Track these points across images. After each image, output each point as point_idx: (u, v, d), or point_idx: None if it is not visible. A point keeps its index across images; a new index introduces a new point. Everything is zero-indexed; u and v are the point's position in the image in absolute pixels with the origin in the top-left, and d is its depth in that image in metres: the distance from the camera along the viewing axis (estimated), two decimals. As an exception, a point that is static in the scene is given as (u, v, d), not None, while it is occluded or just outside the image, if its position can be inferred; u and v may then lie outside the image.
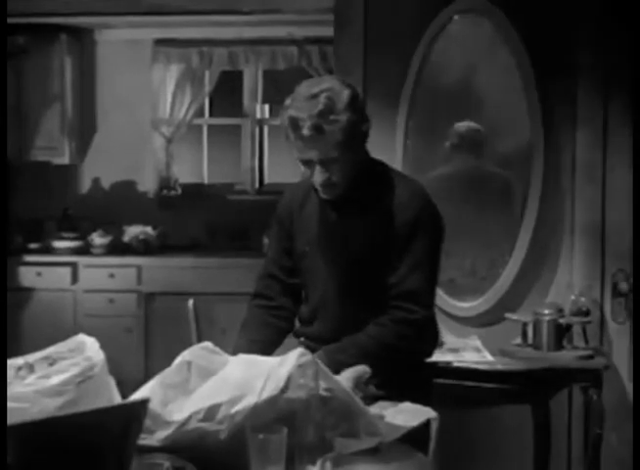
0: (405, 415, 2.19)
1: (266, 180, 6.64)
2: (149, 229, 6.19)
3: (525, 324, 3.57)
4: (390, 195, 2.50)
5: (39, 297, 5.97)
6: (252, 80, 6.53)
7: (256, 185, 6.58)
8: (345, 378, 2.23)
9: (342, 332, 2.50)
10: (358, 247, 2.52)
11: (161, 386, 1.92)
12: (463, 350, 3.56)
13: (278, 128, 6.61)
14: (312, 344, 2.56)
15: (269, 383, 1.94)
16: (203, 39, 6.35)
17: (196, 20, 6.10)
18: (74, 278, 5.98)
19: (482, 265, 3.84)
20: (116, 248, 6.13)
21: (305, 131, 2.42)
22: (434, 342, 2.66)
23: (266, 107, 6.67)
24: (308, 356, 2.01)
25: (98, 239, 6.10)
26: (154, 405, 1.85)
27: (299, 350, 2.01)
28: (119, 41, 6.43)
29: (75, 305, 5.95)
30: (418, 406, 2.27)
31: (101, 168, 6.52)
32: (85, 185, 6.56)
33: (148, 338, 6.02)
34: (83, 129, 6.44)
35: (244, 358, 2.07)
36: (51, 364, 2.09)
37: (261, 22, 6.05)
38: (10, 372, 2.12)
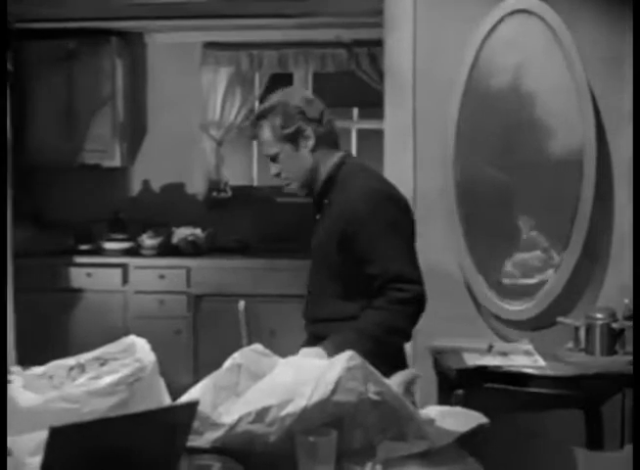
0: (456, 420, 2.16)
1: (315, 182, 6.61)
2: (198, 231, 6.22)
3: (576, 328, 3.53)
4: (345, 195, 2.77)
5: (89, 298, 6.02)
6: (302, 83, 6.53)
7: (305, 187, 6.57)
8: (396, 382, 2.22)
9: (331, 328, 2.77)
10: (327, 246, 2.80)
11: (212, 388, 1.92)
12: (513, 353, 3.52)
13: (327, 131, 6.68)
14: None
15: (318, 386, 1.94)
16: (252, 42, 6.37)
17: (245, 23, 6.11)
18: (125, 279, 6.03)
19: (533, 268, 3.80)
20: (166, 249, 6.17)
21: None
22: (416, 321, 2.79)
23: (315, 109, 6.65)
24: (358, 360, 2.00)
25: (148, 240, 6.14)
26: (204, 407, 1.85)
27: (349, 353, 2.01)
28: (169, 44, 6.47)
29: (125, 306, 6.00)
30: (469, 411, 2.25)
31: (151, 171, 6.56)
32: (135, 187, 6.61)
33: (197, 339, 6.04)
34: (133, 132, 6.49)
35: (293, 361, 2.07)
36: (102, 365, 2.10)
37: (311, 24, 6.04)
38: (61, 372, 2.14)
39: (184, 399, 1.90)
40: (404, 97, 3.79)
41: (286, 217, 6.42)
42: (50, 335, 5.76)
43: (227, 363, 2.01)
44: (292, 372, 2.00)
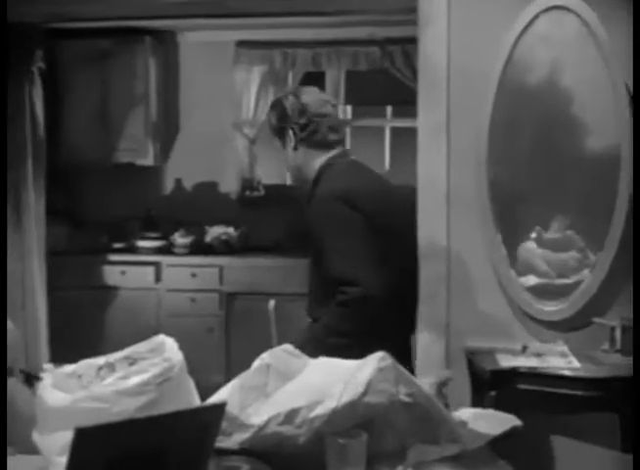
0: (489, 422, 2.13)
1: (349, 181, 6.58)
2: (231, 230, 6.22)
3: (612, 329, 3.47)
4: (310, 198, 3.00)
5: (123, 296, 6.05)
6: (335, 81, 6.51)
7: (338, 186, 6.54)
8: (428, 383, 2.19)
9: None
10: (308, 248, 3.04)
11: (240, 388, 1.90)
12: (548, 355, 3.48)
13: (361, 129, 6.66)
14: None
15: (349, 387, 1.91)
16: (285, 40, 6.36)
17: (278, 21, 6.09)
18: (157, 277, 6.04)
19: (569, 268, 3.74)
20: (199, 248, 6.18)
21: None
22: (364, 322, 2.82)
23: (349, 108, 6.63)
24: (389, 360, 1.97)
25: (180, 239, 6.15)
26: (232, 408, 1.83)
27: (380, 353, 1.98)
28: (202, 43, 6.48)
29: (158, 304, 6.01)
30: (502, 413, 2.21)
31: (184, 169, 6.58)
32: (168, 186, 6.62)
33: (228, 338, 6.05)
34: (166, 131, 6.51)
35: (323, 362, 2.04)
36: (131, 364, 2.09)
37: (344, 22, 6.01)
38: (91, 372, 2.13)
39: (213, 399, 1.89)
40: (438, 94, 3.75)
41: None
42: (83, 333, 5.78)
43: (256, 363, 1.99)
44: (321, 373, 1.98)
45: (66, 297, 5.69)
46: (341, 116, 6.51)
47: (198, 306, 6.03)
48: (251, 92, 6.44)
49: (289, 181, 6.74)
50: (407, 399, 1.94)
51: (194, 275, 6.03)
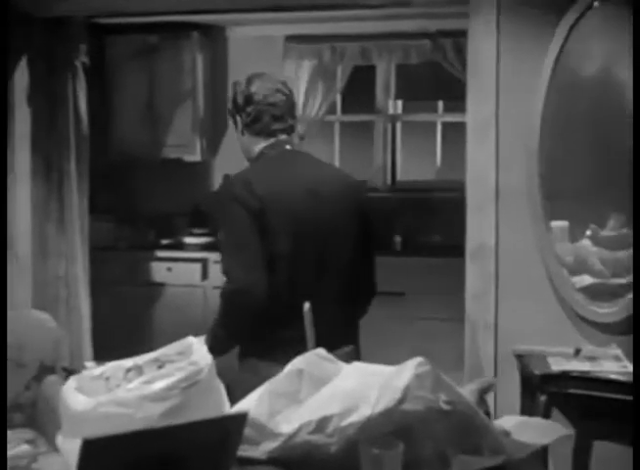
0: (535, 432, 2.02)
1: (399, 177, 6.49)
2: (279, 227, 6.13)
3: (670, 332, 3.33)
4: None
5: (170, 292, 6.00)
6: (385, 75, 6.39)
7: (389, 182, 6.44)
8: (469, 390, 2.08)
9: None
10: None
11: (270, 395, 1.81)
12: (601, 358, 3.34)
13: (411, 124, 6.54)
14: None
15: (384, 394, 1.81)
16: (334, 34, 6.25)
17: (327, 15, 5.99)
18: (204, 274, 5.98)
19: (624, 267, 3.60)
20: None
21: None
22: (237, 317, 2.85)
23: (399, 102, 6.51)
24: (427, 366, 1.86)
25: (229, 236, 6.09)
26: (260, 415, 1.75)
27: (418, 359, 1.87)
28: (251, 38, 6.40)
29: (205, 301, 5.95)
30: (549, 422, 2.10)
31: (231, 165, 6.50)
32: (216, 181, 6.57)
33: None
34: (214, 126, 6.45)
35: (358, 367, 1.94)
36: (160, 367, 2.01)
37: (394, 15, 5.89)
38: (119, 374, 2.06)
39: (240, 406, 1.80)
40: (487, 88, 3.63)
41: (370, 213, 6.28)
42: (129, 330, 5.75)
43: (287, 368, 1.89)
44: (355, 378, 1.88)
45: (112, 293, 5.66)
46: (391, 111, 6.42)
47: (245, 304, 5.95)
48: (299, 87, 6.34)
49: (338, 177, 6.65)
50: (446, 407, 1.84)
51: (241, 272, 5.95)
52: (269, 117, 2.92)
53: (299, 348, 2.46)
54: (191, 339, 2.02)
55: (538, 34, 3.61)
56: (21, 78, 4.24)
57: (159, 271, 6.02)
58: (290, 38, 6.33)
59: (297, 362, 1.90)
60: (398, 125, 6.47)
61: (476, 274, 3.65)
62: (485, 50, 3.64)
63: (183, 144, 6.18)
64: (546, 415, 3.32)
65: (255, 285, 2.76)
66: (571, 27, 3.55)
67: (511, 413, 3.52)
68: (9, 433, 2.53)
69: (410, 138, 6.45)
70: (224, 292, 2.83)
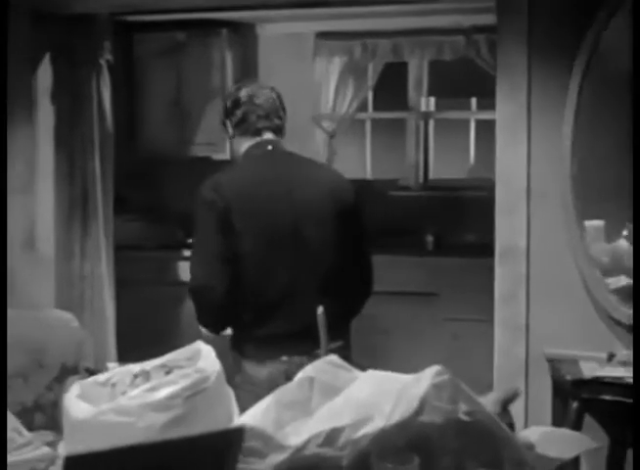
0: (561, 444, 1.91)
1: (431, 176, 6.37)
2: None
3: None
4: None
5: (198, 292, 5.93)
6: (418, 72, 6.28)
7: (421, 181, 6.33)
8: (492, 399, 1.97)
9: None
10: None
11: (278, 405, 1.72)
12: (636, 364, 3.22)
13: (444, 122, 6.42)
14: None
15: (400, 404, 1.72)
16: (366, 31, 6.15)
17: (358, 11, 5.89)
18: (233, 274, 5.90)
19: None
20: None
21: None
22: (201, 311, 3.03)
23: (432, 99, 6.39)
24: (446, 375, 1.77)
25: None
26: (267, 426, 1.66)
27: (436, 367, 1.78)
28: (281, 35, 6.33)
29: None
30: (576, 434, 1.99)
31: (261, 164, 6.44)
32: (246, 181, 6.49)
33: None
34: (244, 124, 6.37)
35: (374, 375, 1.84)
36: (167, 373, 1.93)
37: (426, 11, 5.77)
38: (126, 380, 1.98)
39: (245, 417, 1.70)
40: (517, 84, 3.51)
41: (401, 212, 6.19)
42: (156, 330, 5.69)
43: (297, 377, 1.80)
44: (370, 387, 1.79)
45: (139, 293, 5.60)
46: (424, 108, 6.30)
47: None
48: (330, 84, 6.26)
49: (369, 175, 6.56)
50: (466, 418, 1.74)
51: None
52: (255, 116, 3.04)
53: (280, 346, 2.81)
54: (199, 344, 1.94)
55: (571, 30, 3.49)
56: (44, 76, 4.18)
57: (186, 271, 5.94)
58: (320, 35, 6.24)
59: (309, 370, 1.81)
60: (431, 123, 6.35)
61: (505, 276, 3.54)
62: (515, 46, 3.52)
63: (212, 142, 6.09)
64: (578, 422, 3.21)
65: (211, 283, 2.90)
66: (604, 24, 3.43)
67: (542, 419, 3.42)
68: (30, 434, 2.48)
69: (443, 136, 6.33)
70: (188, 289, 3.03)
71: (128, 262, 5.34)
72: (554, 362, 3.41)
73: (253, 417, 1.66)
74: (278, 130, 3.10)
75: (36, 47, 4.09)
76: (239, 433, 1.40)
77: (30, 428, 2.46)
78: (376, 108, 6.49)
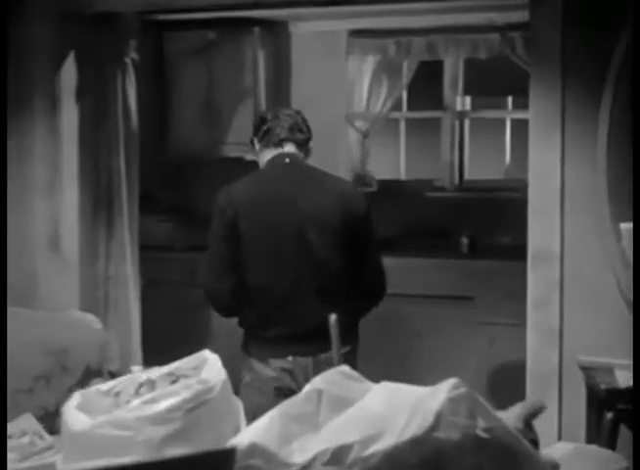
0: (588, 463, 1.80)
1: (466, 176, 6.23)
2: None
3: None
4: None
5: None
6: (453, 70, 6.16)
7: (456, 181, 6.20)
8: (514, 414, 1.86)
9: None
10: None
11: (282, 418, 1.61)
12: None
13: (480, 121, 6.28)
14: None
15: (414, 419, 1.62)
16: (399, 29, 6.03)
17: (392, 9, 5.77)
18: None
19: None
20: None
21: None
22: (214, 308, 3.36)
23: (467, 98, 6.26)
24: (463, 388, 1.66)
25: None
26: (270, 442, 1.56)
27: (452, 380, 1.67)
28: (314, 33, 6.23)
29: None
30: (606, 452, 1.87)
31: (294, 164, 6.35)
32: (278, 181, 6.41)
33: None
34: (276, 124, 6.29)
35: (387, 387, 1.74)
36: (174, 382, 1.85)
37: (460, 8, 5.64)
38: (130, 389, 1.90)
39: (249, 433, 1.61)
40: (551, 83, 3.39)
41: (436, 213, 6.07)
42: (186, 332, 5.63)
43: (305, 389, 1.70)
44: (383, 401, 1.68)
45: (168, 294, 5.54)
46: (459, 107, 6.16)
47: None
48: (363, 83, 6.16)
49: (404, 176, 6.44)
50: (484, 435, 1.64)
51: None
52: (279, 128, 3.29)
53: (285, 347, 3.00)
54: (206, 352, 1.85)
55: (606, 28, 3.35)
56: (68, 75, 4.12)
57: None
58: (353, 33, 6.13)
59: (317, 382, 1.70)
60: (466, 122, 6.21)
61: (538, 280, 3.42)
62: (549, 44, 3.40)
63: (243, 142, 5.99)
64: (613, 433, 3.09)
65: (215, 287, 3.16)
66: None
67: (576, 430, 3.29)
68: (51, 438, 2.42)
69: (478, 135, 6.20)
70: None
71: (157, 263, 5.28)
72: (588, 371, 3.29)
73: (256, 431, 1.57)
74: (300, 144, 3.32)
75: (60, 46, 4.03)
76: (230, 453, 1.31)
77: (52, 432, 2.42)
78: (410, 107, 6.37)
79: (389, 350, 5.69)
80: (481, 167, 6.15)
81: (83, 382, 3.85)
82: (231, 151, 6.07)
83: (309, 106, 6.25)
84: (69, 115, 4.20)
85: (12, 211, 3.98)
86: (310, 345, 2.98)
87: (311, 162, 6.21)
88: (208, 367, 1.75)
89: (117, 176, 4.28)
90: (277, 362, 3.05)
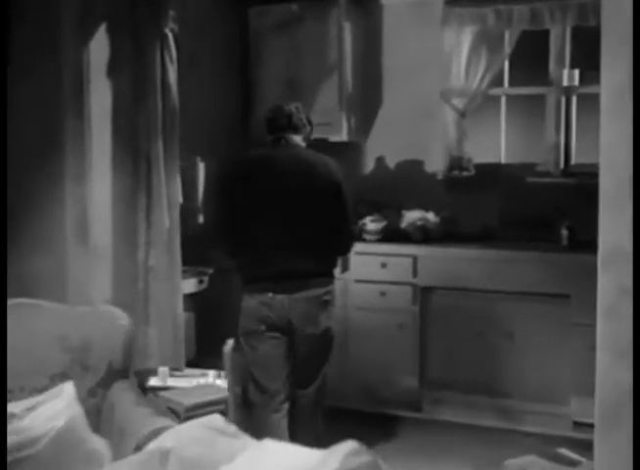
0: None
1: (573, 160, 5.66)
2: (430, 215, 5.50)
3: None
4: None
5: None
6: (559, 41, 5.58)
7: (561, 165, 5.62)
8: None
9: None
10: None
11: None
12: None
13: (589, 98, 5.66)
14: None
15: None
16: (499, -5, 5.51)
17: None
18: (344, 266, 5.44)
19: None
20: (391, 234, 5.52)
21: None
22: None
23: (576, 72, 5.66)
24: (364, 457, 1.22)
25: (371, 224, 5.52)
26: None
27: (350, 444, 1.24)
28: (406, 3, 5.77)
29: (345, 295, 5.40)
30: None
31: (384, 146, 5.92)
32: (366, 165, 6.00)
33: (423, 336, 5.36)
34: (364, 103, 5.86)
35: (267, 448, 1.31)
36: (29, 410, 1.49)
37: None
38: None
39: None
40: (621, 49, 2.83)
41: (537, 201, 5.53)
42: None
43: (150, 447, 1.30)
44: (257, 466, 1.26)
45: (224, 282, 5.25)
46: (566, 82, 5.57)
47: (388, 300, 5.37)
48: (461, 56, 5.66)
49: (503, 159, 5.90)
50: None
51: (384, 265, 5.38)
52: (280, 117, 4.14)
53: (265, 285, 3.81)
54: (67, 385, 1.48)
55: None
56: (97, 50, 3.80)
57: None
58: (449, 2, 5.65)
59: (167, 438, 1.29)
60: (574, 99, 5.62)
61: (607, 284, 2.88)
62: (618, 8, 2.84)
63: (328, 122, 5.61)
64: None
65: (218, 238, 3.99)
66: None
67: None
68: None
69: (587, 114, 5.59)
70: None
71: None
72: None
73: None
74: (298, 130, 4.18)
75: (87, 17, 3.71)
76: None
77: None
78: (512, 82, 5.82)
79: (478, 351, 5.24)
80: (590, 150, 5.54)
81: (106, 382, 3.56)
82: (315, 132, 5.68)
83: (401, 82, 5.83)
84: (100, 94, 3.88)
85: (41, 199, 3.73)
86: (286, 285, 3.81)
87: (403, 143, 5.82)
88: (56, 402, 1.38)
89: (157, 160, 3.94)
90: (259, 297, 3.83)
